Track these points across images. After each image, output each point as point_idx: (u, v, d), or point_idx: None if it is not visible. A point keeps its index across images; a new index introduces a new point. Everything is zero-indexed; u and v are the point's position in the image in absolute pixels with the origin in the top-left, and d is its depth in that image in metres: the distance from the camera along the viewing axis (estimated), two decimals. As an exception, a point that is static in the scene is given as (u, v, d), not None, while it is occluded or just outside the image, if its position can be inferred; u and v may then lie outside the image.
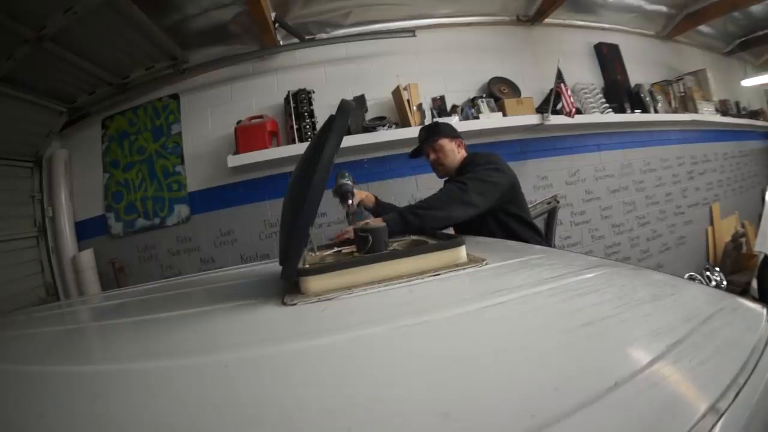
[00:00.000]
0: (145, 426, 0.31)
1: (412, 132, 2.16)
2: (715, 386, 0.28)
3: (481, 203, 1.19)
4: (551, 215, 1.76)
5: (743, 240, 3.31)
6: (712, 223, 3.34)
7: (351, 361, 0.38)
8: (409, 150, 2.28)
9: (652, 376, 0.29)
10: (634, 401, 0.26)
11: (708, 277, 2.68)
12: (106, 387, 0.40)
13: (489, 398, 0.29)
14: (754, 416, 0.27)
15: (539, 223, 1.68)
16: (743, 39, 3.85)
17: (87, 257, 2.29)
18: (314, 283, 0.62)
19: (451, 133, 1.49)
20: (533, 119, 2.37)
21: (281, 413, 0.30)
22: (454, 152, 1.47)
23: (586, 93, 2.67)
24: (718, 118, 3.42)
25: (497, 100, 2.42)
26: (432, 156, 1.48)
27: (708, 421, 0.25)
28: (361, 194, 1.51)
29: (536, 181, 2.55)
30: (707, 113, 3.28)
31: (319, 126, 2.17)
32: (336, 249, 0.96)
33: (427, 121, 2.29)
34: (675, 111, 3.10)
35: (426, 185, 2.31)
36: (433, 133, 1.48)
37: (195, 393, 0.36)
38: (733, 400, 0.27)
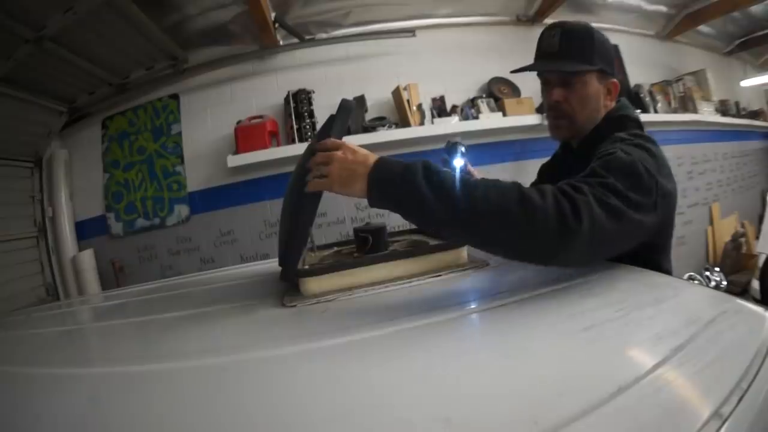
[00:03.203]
0: (144, 428, 0.31)
1: (412, 132, 2.15)
2: (719, 391, 0.28)
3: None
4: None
5: (743, 240, 3.30)
6: (711, 223, 3.33)
7: (351, 364, 0.38)
8: (409, 150, 2.31)
9: (656, 381, 0.29)
10: (638, 407, 0.26)
11: (707, 277, 2.67)
12: (106, 389, 0.39)
13: (491, 403, 0.28)
14: (757, 421, 0.27)
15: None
16: (743, 39, 3.84)
17: (87, 257, 2.29)
18: (314, 284, 0.62)
19: (609, 66, 0.78)
20: (533, 119, 2.36)
21: (280, 418, 0.30)
22: (599, 101, 0.78)
23: (586, 93, 2.65)
24: (718, 119, 3.41)
25: (497, 100, 2.41)
26: (556, 95, 0.80)
27: (711, 426, 0.25)
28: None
29: (536, 181, 2.54)
30: (707, 113, 3.27)
31: (319, 126, 2.16)
32: (336, 249, 0.95)
33: (427, 121, 2.27)
34: (675, 111, 3.09)
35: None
36: (582, 54, 0.76)
37: (193, 396, 0.35)
38: (737, 404, 0.27)
